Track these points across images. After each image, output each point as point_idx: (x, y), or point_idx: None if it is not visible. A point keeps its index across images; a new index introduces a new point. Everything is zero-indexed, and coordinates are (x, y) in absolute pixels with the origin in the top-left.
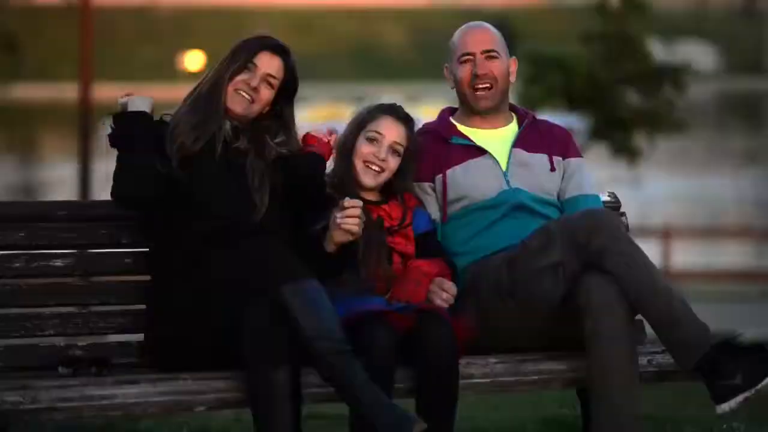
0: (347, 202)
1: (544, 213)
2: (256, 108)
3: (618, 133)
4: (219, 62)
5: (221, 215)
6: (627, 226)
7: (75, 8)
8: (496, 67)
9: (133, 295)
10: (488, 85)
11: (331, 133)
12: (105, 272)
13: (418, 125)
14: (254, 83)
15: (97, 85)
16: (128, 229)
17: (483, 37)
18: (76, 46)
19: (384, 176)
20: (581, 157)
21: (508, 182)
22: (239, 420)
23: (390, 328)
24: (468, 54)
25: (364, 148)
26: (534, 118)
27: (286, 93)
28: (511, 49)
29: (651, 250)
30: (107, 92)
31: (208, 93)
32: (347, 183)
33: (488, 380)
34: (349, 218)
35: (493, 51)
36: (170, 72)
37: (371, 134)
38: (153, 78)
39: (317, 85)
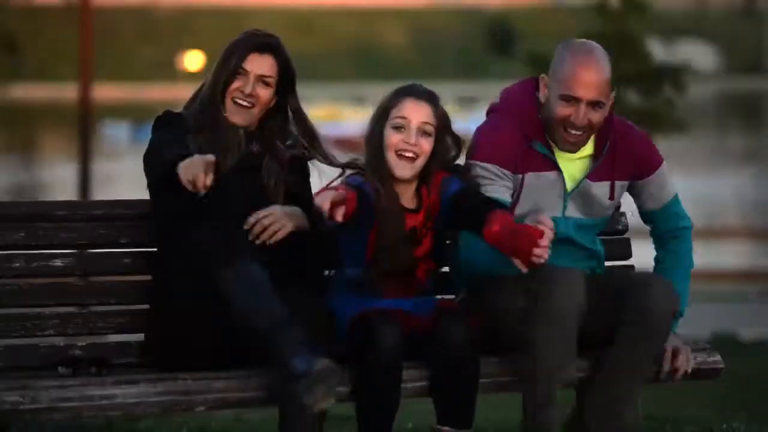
0: (247, 224)
1: (584, 245)
2: (257, 111)
3: None
4: (213, 70)
5: (238, 216)
6: (627, 226)
7: (75, 8)
8: (597, 117)
9: (132, 295)
10: (581, 132)
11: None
12: (104, 272)
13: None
14: (248, 89)
15: (97, 85)
16: (127, 229)
17: (596, 80)
18: (76, 46)
19: (420, 162)
20: (660, 165)
21: (564, 207)
22: (239, 420)
23: (397, 325)
24: (574, 97)
25: (392, 138)
26: (614, 137)
27: (286, 85)
28: (513, 51)
29: (650, 250)
30: (107, 92)
31: (210, 104)
32: (383, 179)
33: (489, 380)
34: (263, 234)
35: (600, 102)
36: (170, 72)
37: (396, 121)
38: (153, 78)
39: (317, 85)
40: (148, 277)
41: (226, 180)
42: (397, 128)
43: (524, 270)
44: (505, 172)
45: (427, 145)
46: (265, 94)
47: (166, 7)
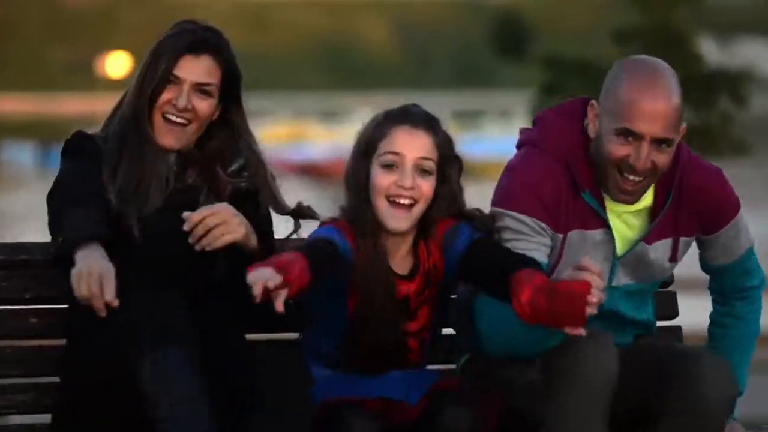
0: (186, 218)
1: (634, 318)
2: (195, 128)
3: None
4: (136, 77)
5: (170, 274)
6: (672, 277)
7: None
8: (663, 159)
9: (39, 365)
10: (641, 178)
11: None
12: (4, 336)
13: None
14: (182, 104)
15: None
16: (33, 281)
17: (663, 110)
18: None
19: (418, 209)
20: (735, 214)
21: (612, 275)
22: None
23: (370, 417)
24: (634, 133)
25: (382, 180)
26: (680, 179)
27: (230, 93)
28: (522, 52)
29: (704, 303)
30: (7, 105)
31: (133, 126)
32: (369, 233)
33: None
34: (207, 236)
35: (667, 139)
36: (87, 79)
37: (386, 158)
38: (65, 86)
39: (276, 96)
40: (61, 342)
41: (152, 224)
42: (388, 167)
43: (579, 333)
44: (544, 227)
45: (426, 186)
46: (204, 106)
47: None
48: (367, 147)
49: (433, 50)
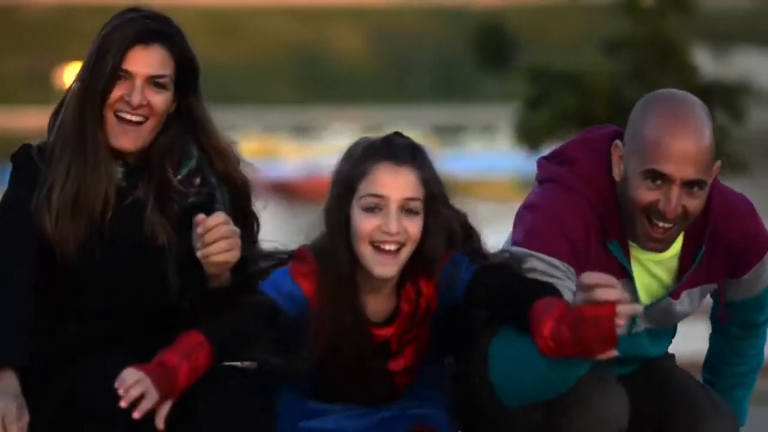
0: (201, 221)
1: (650, 355)
2: (152, 125)
3: None
4: (79, 74)
5: (117, 309)
6: None
7: None
8: (695, 204)
9: None
10: (672, 225)
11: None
12: None
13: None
14: (136, 100)
15: None
16: None
17: (695, 150)
18: None
19: (406, 251)
20: (764, 254)
21: (633, 326)
22: None
23: None
24: (663, 176)
25: (365, 225)
26: (712, 225)
27: (185, 82)
28: (507, 63)
29: (696, 329)
30: None
31: (78, 132)
32: (347, 282)
33: None
34: (213, 245)
35: (699, 182)
36: (45, 90)
37: (368, 201)
38: (22, 98)
39: (246, 110)
40: None
41: (94, 248)
42: (370, 209)
43: (610, 355)
44: (573, 272)
45: (413, 228)
46: (159, 101)
47: (39, 5)
48: (345, 186)
49: (412, 61)
